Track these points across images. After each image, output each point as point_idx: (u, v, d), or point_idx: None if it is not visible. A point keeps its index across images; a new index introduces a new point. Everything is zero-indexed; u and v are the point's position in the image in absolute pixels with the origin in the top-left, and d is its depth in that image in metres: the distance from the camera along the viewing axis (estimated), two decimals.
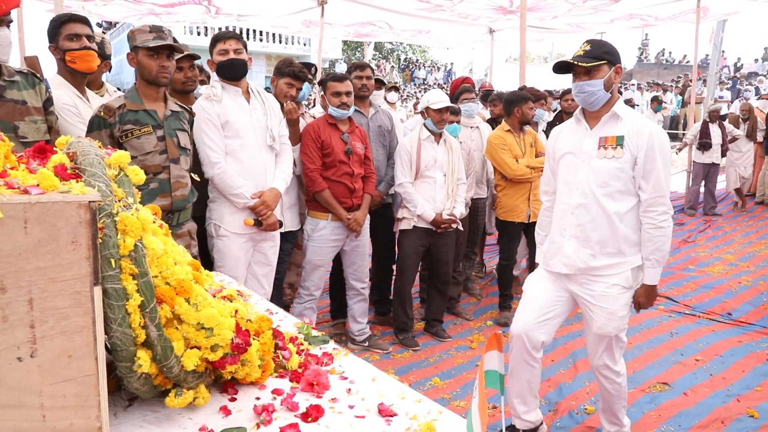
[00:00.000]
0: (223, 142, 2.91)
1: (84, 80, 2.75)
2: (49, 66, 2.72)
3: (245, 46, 3.01)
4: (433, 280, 4.27)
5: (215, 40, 2.98)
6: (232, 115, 2.93)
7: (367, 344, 4.01)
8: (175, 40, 2.61)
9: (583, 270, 2.46)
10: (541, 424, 2.79)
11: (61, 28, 2.57)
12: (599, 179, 2.39)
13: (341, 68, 22.74)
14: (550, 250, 2.57)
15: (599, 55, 2.33)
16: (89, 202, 1.01)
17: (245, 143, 2.96)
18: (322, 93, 4.45)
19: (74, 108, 2.65)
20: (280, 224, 3.15)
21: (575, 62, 2.35)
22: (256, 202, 2.96)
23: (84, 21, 2.65)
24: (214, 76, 3.09)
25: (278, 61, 3.65)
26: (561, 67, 2.45)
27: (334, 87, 3.58)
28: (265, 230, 3.05)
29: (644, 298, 2.45)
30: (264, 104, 3.09)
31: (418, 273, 4.63)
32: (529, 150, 4.40)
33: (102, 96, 3.07)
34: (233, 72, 2.97)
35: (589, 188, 2.41)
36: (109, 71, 3.30)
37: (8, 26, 2.21)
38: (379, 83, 4.49)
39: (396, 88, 7.00)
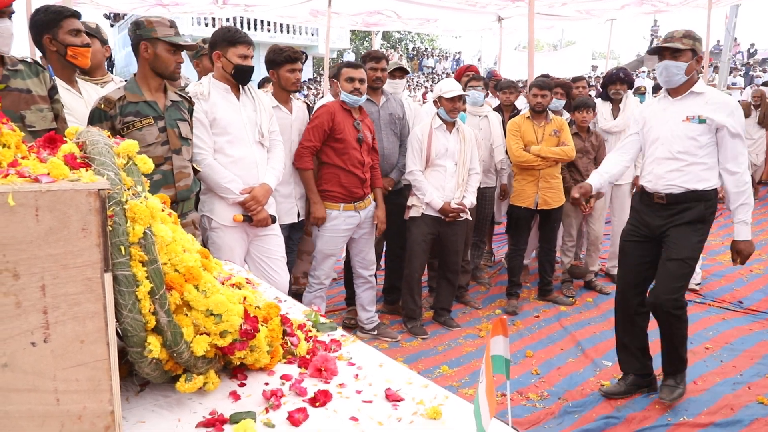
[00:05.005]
0: (211, 139, 2.90)
1: (74, 73, 2.75)
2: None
3: None
4: (442, 269, 4.28)
5: (238, 41, 2.90)
6: (220, 111, 2.91)
7: (376, 333, 4.04)
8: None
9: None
10: None
11: (62, 21, 2.56)
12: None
13: (349, 58, 22.67)
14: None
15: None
16: (99, 190, 1.02)
17: (234, 139, 2.94)
18: (334, 81, 4.44)
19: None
20: (273, 219, 3.11)
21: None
22: (245, 198, 2.94)
23: (80, 17, 2.66)
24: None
25: (266, 56, 3.51)
26: None
27: (349, 73, 3.58)
28: (256, 226, 3.03)
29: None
30: (254, 100, 3.07)
31: (428, 262, 4.64)
32: (549, 138, 4.39)
33: (107, 82, 3.09)
34: (248, 78, 2.99)
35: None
36: (109, 58, 3.32)
37: (10, 17, 2.20)
38: (403, 72, 4.45)
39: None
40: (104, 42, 3.18)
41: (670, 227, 2.86)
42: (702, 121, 2.78)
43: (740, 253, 2.86)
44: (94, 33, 3.06)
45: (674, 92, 2.89)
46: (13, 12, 2.20)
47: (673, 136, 2.84)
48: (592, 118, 4.73)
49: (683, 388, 2.99)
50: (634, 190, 3.11)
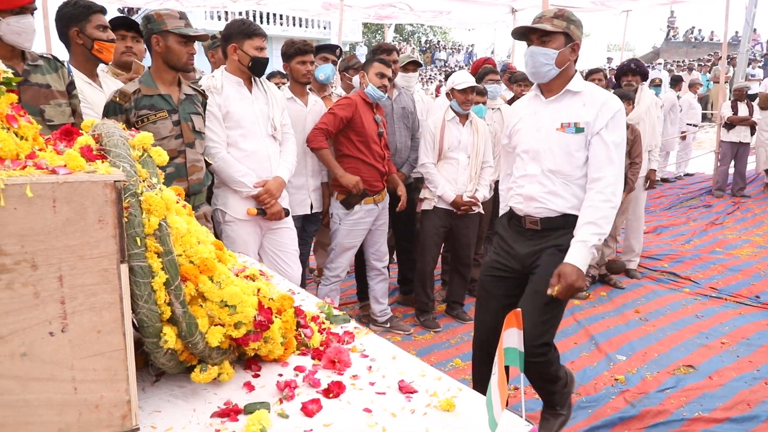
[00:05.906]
0: (224, 132, 2.90)
1: (96, 66, 2.79)
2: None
3: None
4: (454, 262, 4.28)
5: (254, 33, 2.91)
6: (233, 105, 2.92)
7: (388, 325, 4.05)
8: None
9: None
10: None
11: (91, 16, 2.60)
12: None
13: (362, 51, 22.60)
14: None
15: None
16: (115, 181, 1.03)
17: (247, 133, 2.95)
18: (345, 74, 4.40)
19: (81, 94, 2.68)
20: (287, 213, 3.13)
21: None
22: (259, 191, 2.95)
23: (106, 12, 2.71)
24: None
25: (281, 48, 3.61)
26: None
27: (381, 68, 3.58)
28: (269, 219, 3.03)
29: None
30: (266, 93, 3.07)
31: (440, 255, 4.64)
32: None
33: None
34: (264, 70, 3.00)
35: None
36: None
37: (32, 14, 2.24)
38: (416, 65, 4.42)
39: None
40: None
41: (542, 255, 2.27)
42: (579, 129, 2.20)
43: (562, 277, 2.11)
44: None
45: (546, 90, 2.31)
46: (35, 8, 2.24)
47: (544, 149, 2.27)
48: (631, 111, 4.69)
49: (567, 413, 2.54)
50: (508, 210, 2.48)
